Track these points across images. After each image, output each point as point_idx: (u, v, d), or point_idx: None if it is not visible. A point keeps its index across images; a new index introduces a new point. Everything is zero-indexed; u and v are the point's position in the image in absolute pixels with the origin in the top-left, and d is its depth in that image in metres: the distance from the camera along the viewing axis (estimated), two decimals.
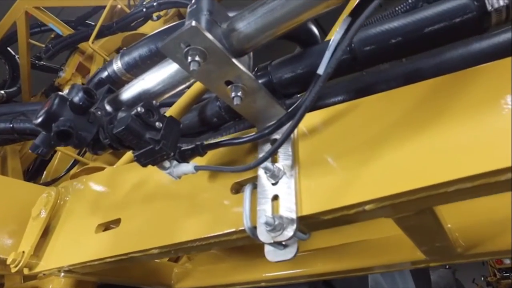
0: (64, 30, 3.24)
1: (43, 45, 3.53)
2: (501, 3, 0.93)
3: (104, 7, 2.99)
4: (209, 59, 0.67)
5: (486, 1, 0.94)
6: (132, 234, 1.06)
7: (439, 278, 7.50)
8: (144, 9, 2.11)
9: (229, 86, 0.74)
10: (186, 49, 0.65)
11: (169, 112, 1.21)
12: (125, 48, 1.07)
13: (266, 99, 0.80)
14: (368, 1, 0.67)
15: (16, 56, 3.91)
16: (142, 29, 2.52)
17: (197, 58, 0.65)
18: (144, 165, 0.85)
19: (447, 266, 8.62)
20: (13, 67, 4.09)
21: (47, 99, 0.82)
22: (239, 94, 0.74)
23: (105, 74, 1.07)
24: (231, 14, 0.93)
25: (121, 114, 0.82)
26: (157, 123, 0.80)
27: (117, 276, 1.52)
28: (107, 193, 1.29)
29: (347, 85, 0.96)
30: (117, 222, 1.14)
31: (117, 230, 1.12)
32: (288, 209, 0.73)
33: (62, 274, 1.27)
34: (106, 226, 1.20)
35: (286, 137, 0.69)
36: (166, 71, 0.83)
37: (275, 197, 0.77)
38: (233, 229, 0.82)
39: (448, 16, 0.97)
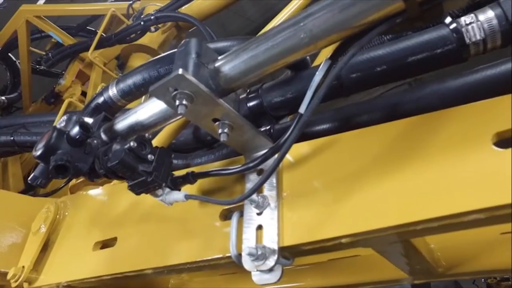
0: (64, 38, 3.29)
1: (43, 53, 3.59)
2: (478, 37, 0.98)
3: (104, 15, 3.05)
4: (196, 101, 0.72)
5: (465, 35, 0.98)
6: (128, 254, 1.12)
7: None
8: (142, 22, 2.16)
9: (216, 123, 0.80)
10: (174, 93, 0.70)
11: (160, 135, 1.27)
12: (120, 75, 1.12)
13: (252, 132, 0.85)
14: (346, 45, 0.72)
15: (17, 62, 3.97)
16: (141, 40, 2.57)
17: (184, 102, 0.70)
18: (138, 193, 0.90)
19: None
20: (14, 73, 4.15)
21: (45, 132, 0.87)
22: (225, 130, 0.79)
23: (102, 99, 1.12)
24: (227, 43, 0.99)
25: (115, 146, 0.87)
26: (149, 156, 0.85)
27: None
28: (104, 211, 1.34)
29: (333, 114, 1.01)
30: (113, 240, 1.20)
31: (114, 249, 1.17)
32: (271, 239, 0.78)
33: None
34: (104, 244, 1.26)
35: (268, 176, 0.74)
36: (157, 105, 0.88)
37: (260, 227, 0.82)
38: (221, 255, 0.87)
39: (430, 47, 1.01)
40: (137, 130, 0.94)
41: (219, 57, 0.78)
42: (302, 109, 0.76)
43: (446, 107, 0.82)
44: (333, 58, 0.72)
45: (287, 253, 0.81)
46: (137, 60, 2.66)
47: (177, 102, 0.70)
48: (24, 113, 4.05)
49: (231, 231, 0.84)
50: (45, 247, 1.39)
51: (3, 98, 4.05)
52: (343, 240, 0.71)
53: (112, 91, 1.10)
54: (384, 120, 0.91)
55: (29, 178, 0.87)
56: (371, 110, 0.93)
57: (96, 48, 2.46)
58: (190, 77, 0.67)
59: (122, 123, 0.95)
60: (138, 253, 1.09)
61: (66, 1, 5.88)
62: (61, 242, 1.39)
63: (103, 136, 0.98)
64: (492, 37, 0.96)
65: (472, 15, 1.00)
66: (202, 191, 1.03)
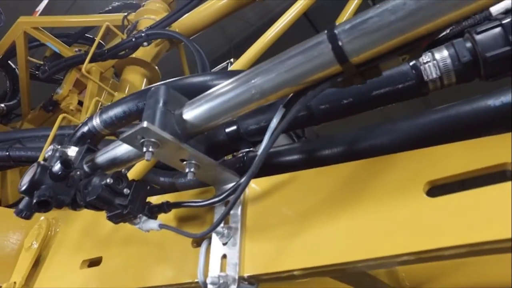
0: (61, 48, 3.39)
1: (41, 62, 3.69)
2: (434, 75, 1.05)
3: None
4: (162, 146, 0.80)
5: (423, 72, 1.06)
6: (111, 274, 1.21)
7: None
8: (134, 39, 2.25)
9: (184, 163, 0.88)
10: (141, 141, 0.78)
11: (137, 166, 1.36)
12: (103, 106, 1.21)
13: (218, 169, 0.94)
14: (298, 96, 0.80)
15: (16, 69, 4.07)
16: (134, 54, 2.66)
17: (151, 149, 0.78)
18: (116, 223, 0.99)
19: None
20: (13, 80, 4.26)
21: (30, 167, 0.96)
22: (192, 170, 0.87)
23: (86, 128, 1.20)
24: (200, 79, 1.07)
25: (95, 180, 0.95)
26: (125, 190, 0.94)
27: None
28: (93, 230, 1.43)
29: (300, 146, 1.09)
30: (99, 260, 1.29)
31: (99, 268, 1.26)
32: (233, 268, 0.87)
33: None
34: (91, 262, 1.35)
35: (225, 216, 0.82)
36: None
37: (224, 256, 0.90)
38: (191, 280, 0.96)
39: (392, 82, 1.09)
40: (115, 164, 1.02)
41: (185, 104, 0.86)
42: (259, 151, 0.84)
43: (395, 148, 0.90)
44: (287, 106, 0.80)
45: (253, 279, 0.90)
46: (130, 73, 2.76)
47: (145, 149, 0.78)
48: (23, 120, 4.16)
49: (200, 259, 0.93)
50: (37, 263, 1.49)
51: (2, 105, 4.16)
52: (296, 273, 0.80)
53: (96, 122, 1.19)
54: (342, 156, 1.00)
55: (14, 211, 0.96)
56: (332, 146, 1.00)
57: (90, 61, 2.54)
58: (154, 128, 0.76)
59: (102, 157, 1.04)
60: (120, 273, 1.18)
61: (61, 12, 5.99)
62: (52, 259, 1.48)
63: (85, 167, 1.07)
64: (447, 75, 1.04)
65: (430, 53, 1.07)
66: (178, 218, 1.12)
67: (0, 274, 1.48)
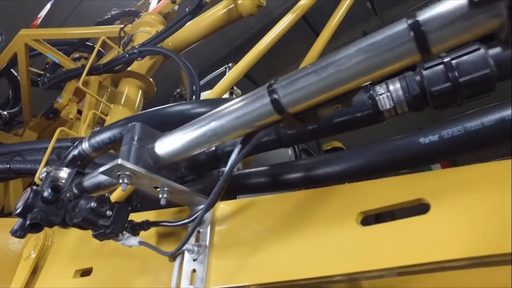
0: (60, 59, 3.54)
1: (42, 72, 3.85)
2: (388, 106, 1.17)
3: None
4: (136, 177, 0.94)
5: (378, 103, 1.18)
6: (100, 283, 1.34)
7: None
8: (127, 55, 2.39)
9: (158, 189, 1.01)
10: (118, 173, 0.92)
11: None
12: (93, 130, 1.34)
13: (189, 194, 1.06)
14: (251, 136, 0.92)
15: (19, 77, 4.22)
16: (130, 67, 2.80)
17: (126, 180, 0.91)
18: (101, 240, 1.12)
19: None
20: (15, 87, 4.42)
21: (24, 191, 1.09)
22: (164, 196, 1.01)
23: (77, 151, 1.34)
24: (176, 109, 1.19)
25: (81, 203, 1.09)
26: (108, 212, 1.07)
27: None
28: (85, 241, 1.57)
29: (265, 170, 1.22)
30: (90, 270, 1.42)
31: (89, 278, 1.40)
32: (200, 282, 1.00)
33: None
34: (83, 272, 1.49)
35: (189, 236, 0.95)
36: None
37: (194, 270, 1.03)
38: None
39: (351, 111, 1.21)
40: (100, 188, 1.16)
41: (157, 140, 0.99)
42: (220, 181, 0.96)
43: (346, 175, 1.03)
44: (243, 144, 0.92)
45: None
46: (126, 85, 2.90)
47: (121, 181, 0.91)
48: (25, 127, 4.33)
49: (173, 273, 1.06)
50: (35, 272, 1.63)
51: (5, 112, 4.33)
52: (252, 287, 0.92)
53: (85, 145, 1.32)
54: (300, 181, 1.12)
55: (10, 231, 1.10)
56: (292, 172, 1.13)
57: (87, 75, 2.68)
58: (127, 164, 0.89)
59: (88, 182, 1.18)
60: (108, 283, 1.31)
61: (56, 25, 6.16)
62: (49, 268, 1.62)
63: (74, 190, 1.21)
64: (400, 106, 1.16)
65: (385, 85, 1.19)
66: (158, 234, 1.25)
67: (1, 280, 1.62)
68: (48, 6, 7.12)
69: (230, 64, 6.26)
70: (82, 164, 1.35)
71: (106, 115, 2.85)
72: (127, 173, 0.91)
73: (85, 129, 2.77)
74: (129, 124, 1.01)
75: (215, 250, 1.04)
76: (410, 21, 0.63)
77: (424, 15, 0.62)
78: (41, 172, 1.30)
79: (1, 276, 1.66)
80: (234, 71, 2.29)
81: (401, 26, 0.63)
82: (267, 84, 0.77)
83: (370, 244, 0.78)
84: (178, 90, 4.36)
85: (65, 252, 1.62)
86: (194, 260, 1.05)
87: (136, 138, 0.97)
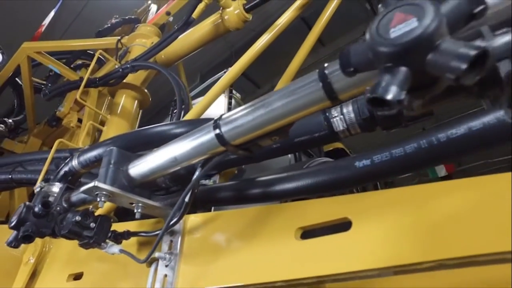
0: (61, 69, 3.73)
1: (44, 82, 4.06)
2: (341, 127, 1.32)
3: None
4: (113, 196, 1.10)
5: (333, 125, 1.32)
6: (89, 286, 1.51)
7: None
8: (120, 70, 2.56)
9: (133, 205, 1.17)
10: (96, 193, 1.08)
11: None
12: (82, 149, 1.51)
13: (160, 208, 1.23)
14: (210, 159, 1.08)
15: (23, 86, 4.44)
16: (125, 79, 2.97)
17: (103, 199, 1.08)
18: (86, 249, 1.29)
19: None
20: (20, 96, 4.63)
21: (18, 208, 1.26)
22: (139, 210, 1.17)
23: (67, 168, 1.51)
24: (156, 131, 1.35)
25: (68, 216, 1.26)
26: (91, 224, 1.24)
27: None
28: (77, 247, 1.73)
29: (231, 185, 1.37)
30: (81, 274, 1.60)
31: (81, 281, 1.57)
32: (170, 286, 1.16)
33: None
34: (76, 276, 1.66)
35: (155, 247, 1.11)
36: None
37: (165, 275, 1.20)
38: None
39: (310, 131, 1.36)
40: (85, 202, 1.33)
41: (131, 162, 1.16)
42: (186, 198, 1.12)
43: (298, 192, 1.18)
44: (202, 166, 1.08)
45: None
46: (122, 96, 3.07)
47: (98, 199, 1.08)
48: (29, 134, 4.54)
49: (149, 277, 1.22)
50: (33, 276, 1.81)
51: (10, 120, 4.55)
52: None
53: (75, 163, 1.49)
54: (261, 196, 1.27)
55: (5, 241, 1.27)
56: (254, 187, 1.28)
57: (85, 87, 2.86)
58: (103, 185, 1.05)
59: (75, 197, 1.35)
60: (95, 286, 1.48)
61: (55, 37, 6.41)
62: (46, 272, 1.80)
63: (64, 204, 1.38)
64: (353, 127, 1.30)
65: (339, 108, 1.33)
66: (139, 242, 1.42)
67: (2, 285, 1.81)
68: (52, 13, 7.39)
69: (230, 68, 6.38)
70: (72, 179, 1.52)
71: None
72: (104, 192, 1.08)
73: (84, 138, 2.95)
74: (108, 149, 1.18)
75: (184, 258, 1.20)
76: (320, 73, 0.77)
77: (331, 68, 0.77)
78: (36, 187, 1.48)
79: (4, 279, 1.84)
80: (227, 76, 2.45)
81: (313, 77, 0.78)
82: (212, 121, 0.92)
83: (304, 256, 0.93)
84: None
85: (60, 258, 1.79)
86: (166, 266, 1.21)
87: (112, 161, 1.13)
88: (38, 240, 1.92)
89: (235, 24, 2.55)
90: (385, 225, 0.86)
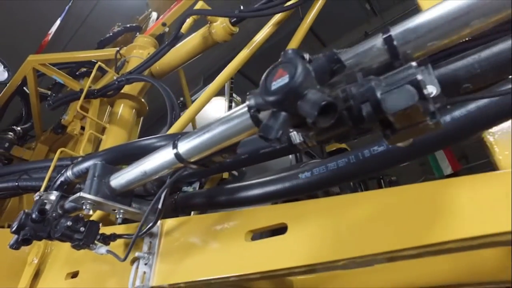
0: (65, 80, 3.98)
1: (49, 92, 4.33)
2: (298, 141, 1.50)
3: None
4: (97, 204, 1.31)
5: (291, 138, 1.51)
6: (84, 285, 1.73)
7: None
8: (116, 82, 2.78)
9: (115, 211, 1.38)
10: (82, 201, 1.29)
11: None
12: (76, 161, 1.73)
13: (140, 214, 1.43)
14: (176, 171, 1.27)
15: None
16: (123, 89, 3.19)
17: (88, 207, 1.29)
18: (78, 250, 1.50)
19: None
20: (27, 105, 4.92)
21: (18, 215, 1.48)
22: (120, 216, 1.37)
23: (63, 178, 1.72)
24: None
25: (62, 221, 1.47)
26: (81, 228, 1.45)
27: None
28: None
29: (204, 192, 1.57)
30: (77, 273, 1.81)
31: (77, 279, 1.79)
32: (147, 282, 1.36)
33: None
34: (73, 274, 1.88)
35: (131, 247, 1.31)
36: None
37: (144, 272, 1.40)
38: None
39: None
40: (77, 209, 1.54)
41: (113, 174, 1.36)
42: (159, 205, 1.32)
43: (258, 199, 1.36)
44: (171, 177, 1.28)
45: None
46: (120, 105, 3.30)
47: (84, 207, 1.29)
48: (36, 141, 4.82)
49: (131, 274, 1.43)
50: (37, 275, 2.04)
51: (18, 128, 4.84)
52: (181, 285, 1.28)
53: (69, 173, 1.71)
54: (227, 203, 1.47)
55: (8, 244, 1.49)
56: (221, 195, 1.47)
57: (84, 98, 3.09)
58: (87, 195, 1.26)
59: (68, 204, 1.56)
60: (88, 284, 1.70)
61: (61, 43, 6.72)
62: (47, 272, 2.02)
63: (59, 210, 1.59)
64: (309, 140, 1.47)
65: None
66: (125, 243, 1.62)
67: (9, 284, 2.04)
68: (58, 22, 7.70)
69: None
70: (68, 188, 1.74)
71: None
72: (89, 201, 1.28)
73: (85, 146, 3.19)
74: (92, 163, 1.38)
75: (160, 257, 1.40)
76: (248, 106, 0.96)
77: (254, 100, 0.95)
78: (35, 195, 1.70)
79: (10, 278, 2.07)
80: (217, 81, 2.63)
81: (244, 109, 0.97)
82: (172, 142, 1.12)
83: (252, 255, 1.12)
84: (182, 99, 4.78)
85: (60, 258, 2.02)
86: (145, 264, 1.41)
87: (96, 174, 1.34)
88: (41, 243, 2.15)
89: (222, 37, 2.75)
90: (313, 228, 1.04)
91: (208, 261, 1.22)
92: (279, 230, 1.17)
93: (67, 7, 7.74)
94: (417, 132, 0.70)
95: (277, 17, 2.49)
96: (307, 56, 0.79)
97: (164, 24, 3.79)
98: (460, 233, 0.82)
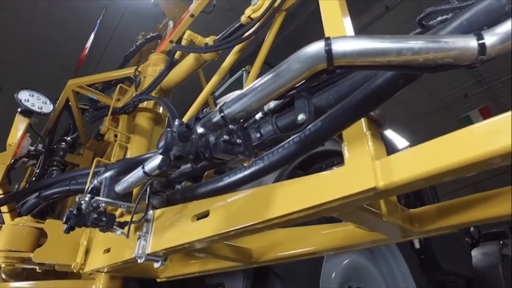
0: (99, 97, 4.98)
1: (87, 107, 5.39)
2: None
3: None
4: (108, 204, 2.16)
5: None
6: (115, 254, 2.62)
7: (483, 255, 7.75)
8: (132, 102, 3.66)
9: (121, 207, 2.23)
10: (99, 202, 2.15)
11: None
12: (103, 168, 2.61)
13: (141, 208, 2.26)
14: (148, 181, 2.07)
15: None
16: (141, 104, 4.07)
17: (103, 204, 2.14)
18: (104, 232, 2.38)
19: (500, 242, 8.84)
20: (73, 118, 6.06)
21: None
22: (124, 210, 2.22)
23: (94, 184, 2.62)
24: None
25: (92, 214, 2.34)
26: (103, 218, 2.31)
27: (128, 272, 3.15)
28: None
29: (184, 188, 2.35)
30: (109, 248, 2.72)
31: (109, 254, 2.69)
32: (145, 249, 2.20)
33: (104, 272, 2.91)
34: (105, 250, 2.78)
35: (129, 229, 2.14)
36: None
37: (144, 245, 2.24)
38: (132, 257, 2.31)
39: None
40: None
41: (117, 183, 2.19)
42: (135, 205, 2.14)
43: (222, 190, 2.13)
44: (148, 182, 2.08)
45: (152, 255, 2.22)
46: (140, 118, 4.19)
47: (100, 205, 2.14)
48: (84, 148, 5.95)
49: (136, 246, 2.27)
50: (87, 252, 2.99)
51: (68, 138, 6.00)
52: (163, 252, 2.10)
53: (96, 182, 2.59)
54: (198, 196, 2.25)
55: (62, 230, 2.39)
56: (193, 191, 2.25)
57: (111, 115, 4.01)
58: (100, 198, 2.11)
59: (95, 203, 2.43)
60: (113, 257, 2.59)
61: (99, 49, 7.76)
62: (93, 250, 2.97)
63: (90, 207, 2.47)
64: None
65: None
66: (134, 227, 2.48)
67: (70, 258, 3.02)
68: (92, 36, 8.83)
69: (246, 67, 7.21)
70: (97, 192, 2.63)
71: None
72: (103, 204, 2.14)
73: (117, 154, 4.12)
74: (103, 176, 2.23)
75: (153, 234, 2.23)
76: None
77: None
78: (77, 197, 2.60)
79: (70, 254, 3.06)
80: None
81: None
82: (142, 166, 1.90)
83: (193, 229, 1.90)
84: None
85: (99, 240, 2.96)
86: (144, 240, 2.25)
87: (106, 184, 2.19)
88: (87, 230, 3.10)
89: (210, 57, 3.47)
90: (224, 212, 1.79)
91: (180, 234, 2.02)
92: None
93: (98, 21, 8.82)
94: (240, 161, 1.42)
95: (237, 46, 3.15)
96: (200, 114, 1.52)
97: (171, 41, 4.59)
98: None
